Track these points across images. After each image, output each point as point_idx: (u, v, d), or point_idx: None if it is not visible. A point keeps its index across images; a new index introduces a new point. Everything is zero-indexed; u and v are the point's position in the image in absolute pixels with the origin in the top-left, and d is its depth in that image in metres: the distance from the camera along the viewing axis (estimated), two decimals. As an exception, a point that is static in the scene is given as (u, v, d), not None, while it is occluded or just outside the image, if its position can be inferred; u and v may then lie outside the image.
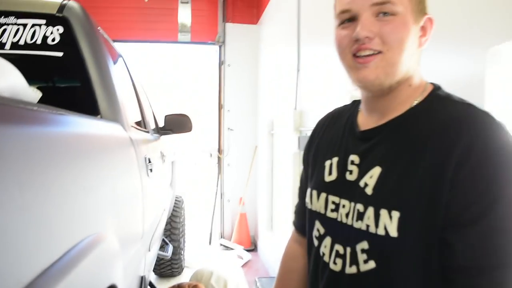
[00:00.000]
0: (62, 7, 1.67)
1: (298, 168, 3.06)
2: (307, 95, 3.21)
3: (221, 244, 5.43)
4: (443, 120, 0.79)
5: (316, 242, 0.97)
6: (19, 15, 1.64)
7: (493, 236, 0.72)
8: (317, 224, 0.97)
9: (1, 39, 1.60)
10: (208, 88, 5.75)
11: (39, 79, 1.86)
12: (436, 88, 0.87)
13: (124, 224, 1.24)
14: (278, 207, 4.03)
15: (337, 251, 0.90)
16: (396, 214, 0.78)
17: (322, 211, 0.96)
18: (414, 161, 0.79)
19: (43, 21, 1.64)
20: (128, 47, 5.32)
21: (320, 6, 2.76)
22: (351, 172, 0.90)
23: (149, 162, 1.93)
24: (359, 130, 0.93)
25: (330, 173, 0.95)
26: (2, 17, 1.62)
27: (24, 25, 1.63)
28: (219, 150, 5.64)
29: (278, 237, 3.98)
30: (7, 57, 1.48)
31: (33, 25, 1.64)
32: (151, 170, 1.94)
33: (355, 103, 1.00)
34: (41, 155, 0.68)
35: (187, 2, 5.45)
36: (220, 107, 5.65)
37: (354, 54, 0.82)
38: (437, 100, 0.84)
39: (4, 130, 0.59)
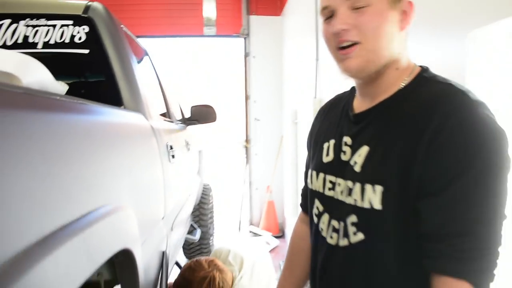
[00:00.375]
0: (87, 8, 1.82)
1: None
2: (326, 84, 3.29)
3: (250, 231, 5.59)
4: (424, 99, 0.84)
5: (316, 219, 1.04)
6: (49, 17, 1.80)
7: (457, 205, 0.76)
8: (317, 203, 1.04)
9: (34, 39, 1.77)
10: (235, 79, 5.87)
11: (68, 74, 2.03)
12: (423, 70, 0.91)
13: (143, 201, 1.39)
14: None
15: (333, 226, 0.97)
16: (379, 188, 0.84)
17: (321, 190, 1.02)
18: (396, 139, 0.85)
19: (71, 22, 1.80)
20: (155, 42, 5.51)
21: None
22: (344, 152, 0.96)
23: (171, 149, 2.08)
24: (352, 113, 0.99)
25: (327, 155, 1.02)
26: (35, 19, 1.79)
27: (54, 26, 1.80)
28: (247, 140, 5.77)
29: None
30: (39, 55, 1.67)
31: (61, 26, 1.80)
32: (173, 156, 2.08)
33: (353, 89, 1.05)
34: (63, 138, 0.83)
35: (211, -4, 5.59)
36: (247, 98, 5.77)
37: (338, 47, 0.88)
38: (422, 82, 0.88)
39: (32, 116, 0.73)
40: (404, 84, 0.90)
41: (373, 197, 0.85)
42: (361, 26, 0.84)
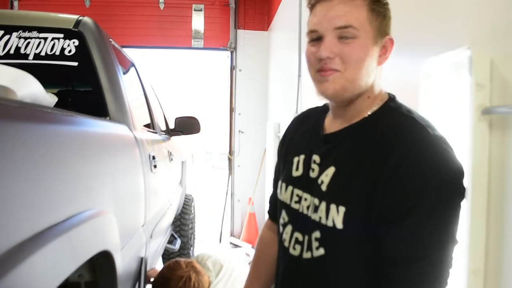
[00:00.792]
0: (77, 23, 1.92)
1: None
2: (307, 100, 3.41)
3: (230, 242, 5.65)
4: (388, 130, 0.90)
5: (281, 229, 1.09)
6: (41, 30, 1.89)
7: (414, 233, 0.82)
8: (283, 213, 1.09)
9: (26, 50, 1.86)
10: (220, 92, 5.99)
11: (57, 84, 2.10)
12: (390, 99, 0.96)
13: (124, 208, 1.48)
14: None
15: (296, 238, 1.01)
16: (342, 209, 0.89)
17: (288, 202, 1.06)
18: (360, 164, 0.90)
19: (61, 35, 1.90)
20: (144, 53, 5.62)
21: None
22: (313, 170, 1.00)
23: (153, 159, 2.17)
24: (323, 133, 1.03)
25: (297, 169, 1.06)
26: (27, 31, 1.88)
27: (45, 39, 1.89)
28: (230, 152, 5.87)
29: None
30: (30, 66, 1.75)
31: (52, 39, 1.90)
32: (155, 166, 2.17)
33: (326, 105, 1.08)
34: (53, 146, 0.92)
35: (200, 10, 5.73)
36: (232, 110, 5.88)
37: (318, 69, 0.92)
38: (388, 111, 0.94)
39: (26, 126, 0.83)
40: (371, 112, 0.95)
41: (336, 216, 0.90)
42: (344, 57, 0.88)
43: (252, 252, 5.05)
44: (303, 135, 1.11)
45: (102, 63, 1.89)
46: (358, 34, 0.88)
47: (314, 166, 1.00)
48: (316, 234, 0.95)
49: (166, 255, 3.98)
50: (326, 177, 0.95)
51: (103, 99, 1.85)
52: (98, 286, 1.44)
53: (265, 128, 5.43)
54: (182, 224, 4.12)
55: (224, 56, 6.00)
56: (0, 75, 1.10)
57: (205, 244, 5.45)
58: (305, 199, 1.01)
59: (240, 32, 5.79)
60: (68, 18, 1.95)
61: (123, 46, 2.51)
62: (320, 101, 1.07)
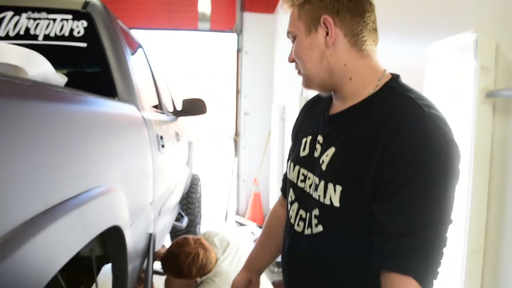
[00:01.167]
0: (86, 4, 1.93)
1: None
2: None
3: (236, 221, 5.73)
4: (384, 110, 0.90)
5: (289, 206, 1.14)
6: (50, 11, 1.91)
7: (405, 209, 0.83)
8: (291, 191, 1.13)
9: (35, 31, 1.88)
10: (226, 74, 5.99)
11: (67, 65, 2.13)
12: (392, 80, 0.97)
13: (133, 186, 1.52)
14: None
15: (300, 215, 1.06)
16: (339, 188, 0.92)
17: (295, 181, 1.11)
18: (356, 144, 0.92)
19: (70, 16, 1.92)
20: (150, 35, 5.61)
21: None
22: (316, 150, 1.04)
23: (161, 139, 2.20)
24: (328, 114, 1.06)
25: (304, 149, 1.09)
26: (36, 12, 1.90)
27: (54, 20, 1.91)
28: (236, 133, 5.90)
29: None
30: (40, 47, 1.78)
31: (61, 20, 1.91)
32: (162, 146, 2.21)
33: None
34: (64, 125, 0.96)
35: (207, -8, 5.70)
36: (237, 92, 5.89)
37: None
38: (387, 92, 0.94)
39: (37, 104, 0.86)
40: (371, 92, 0.96)
41: (333, 195, 0.94)
42: (295, 58, 1.01)
43: (257, 230, 5.12)
44: (312, 117, 1.15)
45: (110, 44, 1.91)
46: (295, 34, 0.99)
47: (317, 146, 1.04)
48: (316, 211, 1.00)
49: (174, 233, 4.06)
50: (326, 157, 0.99)
51: (111, 79, 1.88)
52: (108, 260, 1.50)
53: (270, 110, 5.44)
54: (189, 203, 4.19)
55: (230, 38, 5.98)
56: (11, 54, 1.12)
57: (211, 222, 5.53)
58: (309, 178, 1.05)
59: (246, 14, 5.76)
60: (77, -1, 1.97)
61: (129, 28, 2.52)
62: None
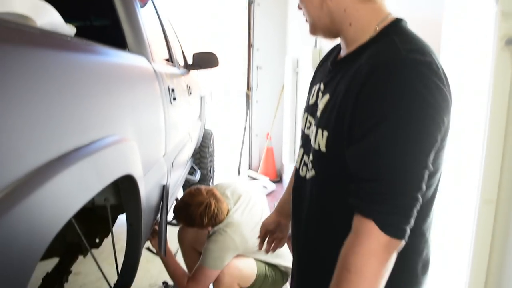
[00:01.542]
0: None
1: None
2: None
3: (248, 175, 5.80)
4: (367, 54, 0.90)
5: (298, 152, 1.21)
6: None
7: (370, 152, 0.83)
8: (300, 138, 1.19)
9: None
10: (238, 27, 5.87)
11: (75, 19, 2.11)
12: (391, 24, 0.94)
13: (145, 137, 1.53)
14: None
15: (304, 161, 1.11)
16: (325, 133, 0.96)
17: (303, 128, 1.16)
18: (342, 91, 0.92)
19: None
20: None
21: None
22: (319, 97, 1.06)
23: (172, 91, 2.19)
24: (332, 62, 1.08)
25: (312, 97, 1.12)
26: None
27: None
28: (248, 87, 5.86)
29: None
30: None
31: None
32: (174, 99, 2.21)
33: None
34: (75, 74, 0.95)
35: None
36: (250, 45, 5.79)
37: None
38: (380, 36, 0.93)
39: (47, 53, 0.86)
40: (368, 39, 0.95)
41: (321, 140, 0.97)
42: (299, 2, 1.02)
43: (269, 185, 5.18)
44: (325, 67, 1.15)
45: (119, -6, 1.87)
46: None
47: (320, 94, 1.06)
48: (311, 156, 1.05)
49: (187, 186, 4.13)
50: (321, 104, 1.01)
51: (121, 31, 1.86)
52: (123, 210, 1.53)
53: (283, 63, 5.37)
54: (201, 157, 4.23)
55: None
56: (19, 4, 1.11)
57: (224, 177, 5.61)
58: (312, 125, 1.08)
59: (259, -36, 5.58)
60: None
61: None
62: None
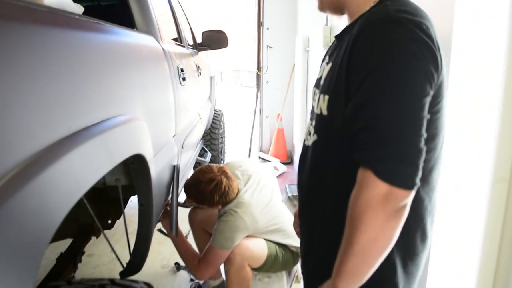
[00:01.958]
0: None
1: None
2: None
3: (259, 157, 5.80)
4: (362, 19, 0.92)
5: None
6: None
7: (364, 103, 0.84)
8: (310, 114, 1.21)
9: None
10: (248, 6, 5.79)
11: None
12: None
13: (155, 117, 1.52)
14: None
15: (310, 131, 1.13)
16: (326, 97, 0.99)
17: (311, 102, 1.18)
18: (341, 54, 0.95)
19: None
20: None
21: None
22: (324, 69, 1.08)
23: (182, 71, 2.18)
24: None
25: (319, 73, 1.14)
26: None
27: None
28: (258, 68, 5.82)
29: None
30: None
31: None
32: (183, 79, 2.19)
33: None
34: (84, 52, 0.94)
35: None
36: (260, 24, 5.73)
37: None
38: (375, 8, 0.94)
39: (56, 31, 0.85)
40: (369, 7, 0.97)
41: (322, 104, 1.01)
42: None
43: (280, 166, 5.18)
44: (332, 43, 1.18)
45: (127, -28, 1.85)
46: None
47: (325, 65, 1.09)
48: (314, 122, 1.09)
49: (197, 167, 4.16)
50: (325, 73, 1.05)
51: (129, 10, 1.84)
52: (134, 192, 1.54)
53: (294, 42, 5.31)
54: (212, 139, 4.24)
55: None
56: (26, -19, 1.09)
57: (235, 158, 5.62)
58: (316, 94, 1.12)
59: None
60: None
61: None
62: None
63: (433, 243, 1.46)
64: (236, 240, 2.03)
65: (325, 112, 1.00)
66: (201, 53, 3.58)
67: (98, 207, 1.85)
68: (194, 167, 3.91)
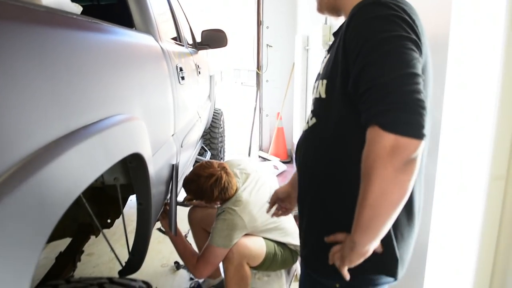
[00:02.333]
0: None
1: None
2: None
3: (259, 156, 5.80)
4: (353, 8, 0.98)
5: None
6: None
7: (361, 71, 0.89)
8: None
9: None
10: (247, 5, 5.79)
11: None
12: None
13: (153, 116, 1.53)
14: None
15: (309, 120, 1.18)
16: (324, 82, 1.07)
17: (311, 99, 1.21)
18: (337, 45, 1.04)
19: None
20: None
21: None
22: (323, 62, 1.16)
23: (181, 70, 2.19)
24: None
25: (320, 68, 1.19)
26: None
27: None
28: (258, 67, 5.82)
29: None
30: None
31: None
32: (182, 78, 2.20)
33: None
34: (82, 52, 0.95)
35: None
36: (259, 23, 5.73)
37: None
38: None
39: (53, 31, 0.85)
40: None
41: (321, 88, 1.09)
42: None
43: (280, 165, 5.18)
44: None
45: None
46: None
47: (324, 60, 1.17)
48: (312, 107, 1.16)
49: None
50: (323, 64, 1.14)
51: (128, 10, 1.84)
52: (133, 191, 1.54)
53: (293, 41, 5.31)
54: (211, 138, 4.24)
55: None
56: (24, -19, 1.10)
57: (235, 157, 5.62)
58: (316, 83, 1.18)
59: None
60: None
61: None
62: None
63: (431, 240, 1.46)
64: (234, 238, 2.03)
65: (323, 95, 1.08)
66: (201, 52, 3.58)
67: (97, 206, 1.86)
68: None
